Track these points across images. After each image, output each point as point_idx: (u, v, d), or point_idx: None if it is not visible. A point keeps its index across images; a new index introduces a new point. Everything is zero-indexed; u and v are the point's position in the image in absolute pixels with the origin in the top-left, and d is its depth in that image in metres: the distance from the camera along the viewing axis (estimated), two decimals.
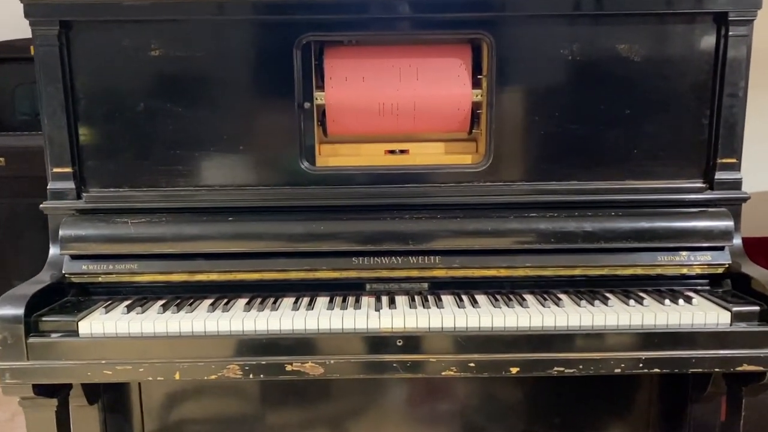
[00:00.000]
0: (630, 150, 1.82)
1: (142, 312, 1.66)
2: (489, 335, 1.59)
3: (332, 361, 1.57)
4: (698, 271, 1.79)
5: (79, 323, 1.59)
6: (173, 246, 1.75)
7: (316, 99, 1.84)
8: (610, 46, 1.77)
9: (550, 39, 1.77)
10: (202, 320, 1.60)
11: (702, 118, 1.80)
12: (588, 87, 1.80)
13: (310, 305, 1.69)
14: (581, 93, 1.80)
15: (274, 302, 1.72)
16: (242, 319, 1.60)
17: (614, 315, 1.60)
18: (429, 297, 1.74)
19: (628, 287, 1.78)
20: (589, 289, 1.78)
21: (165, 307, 1.67)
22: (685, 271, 1.79)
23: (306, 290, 1.78)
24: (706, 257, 1.77)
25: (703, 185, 1.82)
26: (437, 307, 1.66)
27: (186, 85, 1.79)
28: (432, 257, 1.77)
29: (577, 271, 1.78)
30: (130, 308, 1.67)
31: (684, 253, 1.77)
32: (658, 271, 1.79)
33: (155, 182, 1.82)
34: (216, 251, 1.76)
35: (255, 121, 1.82)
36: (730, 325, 1.59)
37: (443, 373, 1.57)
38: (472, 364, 1.58)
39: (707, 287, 1.80)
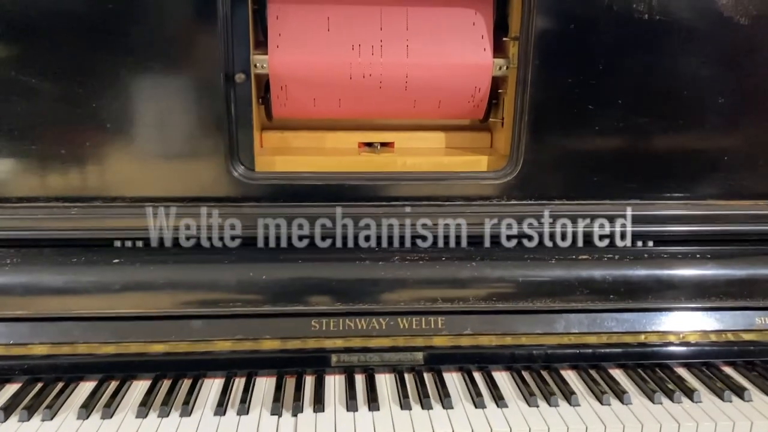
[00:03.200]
0: (719, 158, 1.25)
1: None
2: None
3: None
4: None
5: None
6: (25, 304, 1.10)
7: (256, 66, 1.18)
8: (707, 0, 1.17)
9: None
10: None
11: None
12: (668, 61, 1.20)
13: (246, 396, 1.08)
14: (658, 70, 1.20)
15: (190, 390, 1.10)
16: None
17: (710, 424, 1.06)
18: (425, 376, 1.16)
19: (701, 358, 1.25)
20: (654, 362, 1.23)
21: (8, 411, 1.03)
22: None
23: (240, 367, 1.17)
24: None
25: None
26: (443, 406, 1.08)
27: (41, 40, 1.09)
28: (433, 319, 1.17)
29: (640, 338, 1.22)
30: None
31: None
32: (744, 336, 1.25)
33: None
34: (96, 314, 1.11)
35: (156, 100, 1.14)
36: None
37: None
38: None
39: None
